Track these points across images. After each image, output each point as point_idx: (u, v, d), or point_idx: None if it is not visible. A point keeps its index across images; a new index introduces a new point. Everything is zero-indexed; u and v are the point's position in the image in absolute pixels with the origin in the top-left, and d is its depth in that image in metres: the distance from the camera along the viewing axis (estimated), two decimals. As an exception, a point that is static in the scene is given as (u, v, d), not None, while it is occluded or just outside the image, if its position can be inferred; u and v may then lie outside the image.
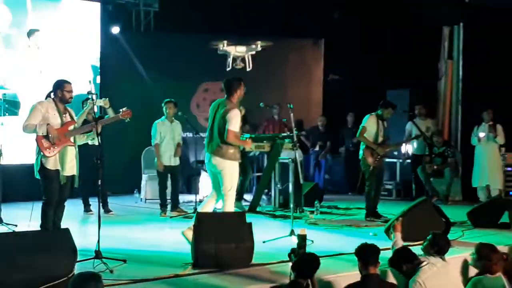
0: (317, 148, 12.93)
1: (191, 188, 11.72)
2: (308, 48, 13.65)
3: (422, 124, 11.52)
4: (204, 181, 11.42)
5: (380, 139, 9.08)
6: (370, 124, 9.08)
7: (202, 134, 11.42)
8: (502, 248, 6.74)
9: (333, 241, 7.49)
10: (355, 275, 5.42)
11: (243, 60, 10.87)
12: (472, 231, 8.16)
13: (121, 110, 7.05)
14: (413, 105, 12.12)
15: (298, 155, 7.91)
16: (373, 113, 9.18)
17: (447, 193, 11.19)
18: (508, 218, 8.46)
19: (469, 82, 12.41)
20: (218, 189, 6.95)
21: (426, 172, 11.19)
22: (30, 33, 11.06)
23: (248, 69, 10.85)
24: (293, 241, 6.91)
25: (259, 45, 10.89)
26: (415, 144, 11.75)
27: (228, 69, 10.76)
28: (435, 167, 11.25)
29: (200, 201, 10.61)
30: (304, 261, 5.16)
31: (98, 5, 11.80)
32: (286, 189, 9.75)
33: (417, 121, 11.49)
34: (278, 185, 10.04)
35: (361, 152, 9.13)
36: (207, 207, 7.02)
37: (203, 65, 12.31)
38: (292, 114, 7.83)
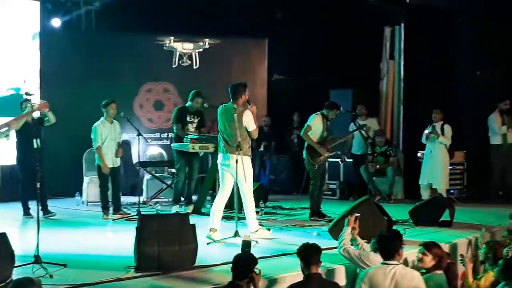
0: (261, 149, 12.95)
1: (135, 190, 11.61)
2: (252, 48, 13.67)
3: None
4: (148, 183, 11.34)
5: (324, 138, 9.19)
6: (315, 124, 9.15)
7: (145, 135, 11.39)
8: (444, 246, 6.90)
9: (278, 241, 7.51)
10: (298, 275, 5.45)
11: (190, 57, 10.76)
12: (414, 229, 8.31)
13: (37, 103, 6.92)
14: (355, 104, 12.26)
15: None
16: (318, 113, 9.25)
17: (389, 192, 11.36)
18: (449, 216, 8.65)
19: (410, 82, 12.61)
20: (229, 186, 7.58)
21: (369, 171, 11.35)
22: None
23: (195, 67, 10.78)
24: (238, 242, 6.92)
25: (207, 43, 10.80)
26: (355, 144, 11.89)
27: (174, 66, 10.67)
28: (377, 166, 11.42)
29: (144, 203, 10.59)
30: (238, 262, 5.15)
31: (37, 4, 11.55)
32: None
33: (359, 121, 11.61)
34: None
35: (304, 151, 9.20)
36: (221, 205, 7.65)
37: (147, 65, 12.21)
38: (236, 115, 7.80)
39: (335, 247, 6.74)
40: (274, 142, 13.01)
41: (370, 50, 13.06)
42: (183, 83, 12.07)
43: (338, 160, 12.29)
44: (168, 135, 12.40)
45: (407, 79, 12.69)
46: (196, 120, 9.91)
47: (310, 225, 8.52)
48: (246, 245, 6.26)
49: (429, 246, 5.90)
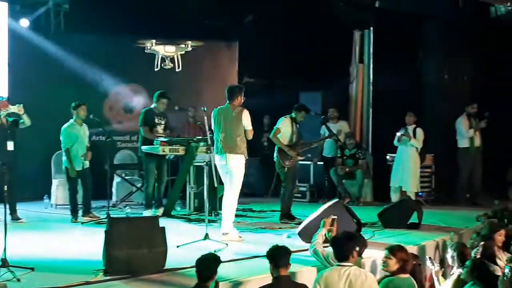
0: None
1: (104, 193, 11.50)
2: (222, 51, 13.65)
3: (334, 127, 11.70)
4: (118, 186, 11.27)
5: (294, 141, 9.24)
6: (284, 126, 9.21)
7: (115, 138, 11.32)
8: (412, 248, 6.98)
9: (247, 243, 7.53)
10: (268, 277, 5.46)
11: (172, 60, 10.70)
12: (382, 231, 8.38)
13: None
14: (325, 107, 12.33)
15: (213, 158, 7.92)
16: (287, 116, 9.32)
17: (358, 194, 11.44)
18: (417, 218, 8.74)
19: (379, 85, 12.73)
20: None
21: (339, 174, 11.41)
22: None
23: (177, 70, 10.72)
24: (208, 245, 6.92)
25: (189, 45, 10.74)
26: (326, 146, 11.95)
27: (156, 69, 10.60)
28: (347, 169, 11.49)
29: (113, 206, 10.52)
30: (201, 264, 5.14)
31: (5, 5, 11.40)
32: (201, 193, 9.71)
33: (330, 125, 11.66)
34: (193, 189, 9.99)
35: (275, 154, 9.23)
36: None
37: (117, 67, 12.09)
38: (206, 117, 7.83)
39: (305, 250, 6.79)
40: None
41: (340, 54, 13.15)
42: (153, 85, 11.96)
43: (309, 162, 12.35)
44: (137, 138, 12.31)
45: (376, 82, 12.79)
46: (163, 122, 9.87)
47: (280, 228, 8.54)
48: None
49: (394, 250, 5.93)
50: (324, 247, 6.31)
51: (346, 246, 5.60)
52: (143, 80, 12.41)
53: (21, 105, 8.13)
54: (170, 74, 11.50)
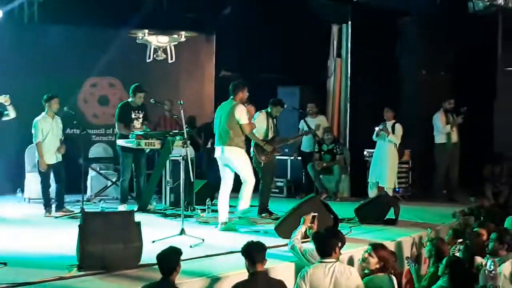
0: (209, 146, 12.91)
1: (79, 187, 11.42)
2: (200, 43, 13.61)
3: (313, 122, 11.74)
4: (92, 180, 11.20)
5: (270, 135, 9.26)
6: (259, 121, 9.23)
7: (90, 131, 11.25)
8: (388, 244, 7.04)
9: (224, 239, 7.55)
10: (244, 273, 5.48)
11: (164, 51, 10.63)
12: (359, 227, 8.43)
13: None
14: (303, 102, 12.35)
15: (190, 152, 7.91)
16: (262, 111, 9.36)
17: (336, 189, 11.48)
18: (394, 214, 8.80)
19: (357, 80, 12.74)
20: (228, 179, 8.15)
21: (316, 169, 11.45)
22: None
23: (170, 61, 10.64)
24: (183, 240, 6.92)
25: (183, 36, 10.66)
26: (304, 141, 11.97)
27: (148, 60, 10.54)
28: (324, 164, 11.53)
29: (88, 200, 10.47)
30: (161, 259, 5.14)
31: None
32: (177, 187, 9.69)
33: (308, 119, 11.70)
34: (169, 183, 9.97)
35: (251, 149, 9.25)
36: (224, 200, 8.15)
37: (91, 59, 11.99)
38: (182, 111, 7.83)
39: (282, 245, 6.83)
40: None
41: (318, 48, 13.17)
42: (129, 78, 11.92)
43: (287, 157, 12.37)
44: (113, 131, 12.24)
45: (353, 77, 12.82)
46: (141, 115, 9.81)
47: (259, 223, 8.55)
48: None
49: (377, 248, 5.97)
50: (302, 243, 6.35)
51: (329, 242, 5.64)
52: (118, 72, 12.36)
53: (7, 95, 8.05)
54: (146, 66, 11.47)
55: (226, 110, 8.10)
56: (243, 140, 8.16)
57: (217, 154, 8.20)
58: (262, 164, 9.17)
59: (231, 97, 8.16)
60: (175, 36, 10.55)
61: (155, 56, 10.47)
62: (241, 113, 8.03)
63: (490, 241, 6.52)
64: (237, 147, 8.05)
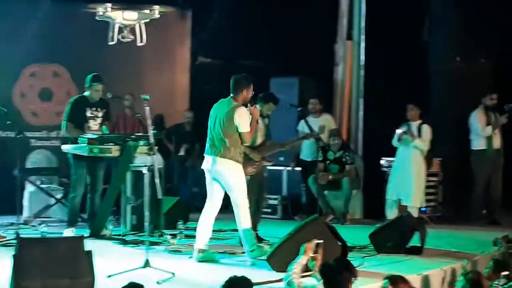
0: (182, 153, 12.92)
1: (13, 206, 11.37)
2: (171, 22, 13.61)
3: (316, 123, 11.74)
4: (31, 197, 11.16)
5: (259, 140, 9.20)
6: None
7: (28, 134, 11.21)
8: (412, 279, 7.04)
9: (201, 272, 7.54)
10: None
11: (132, 31, 10.61)
12: (375, 257, 8.44)
13: None
14: (304, 97, 12.37)
15: (157, 161, 7.90)
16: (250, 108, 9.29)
17: (345, 209, 11.48)
18: (419, 240, 8.81)
19: (373, 69, 12.79)
20: (215, 197, 8.16)
21: (319, 183, 11.45)
22: None
23: (139, 44, 10.63)
24: (148, 274, 6.90)
25: (156, 11, 10.63)
26: (305, 147, 11.99)
27: (112, 42, 10.51)
28: (330, 177, 11.53)
29: (25, 223, 10.43)
30: None
31: None
32: (140, 207, 9.66)
33: (310, 119, 11.70)
34: (131, 201, 9.95)
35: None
36: (207, 222, 8.18)
37: (29, 42, 11.96)
38: (148, 108, 7.81)
39: (276, 281, 6.81)
40: (198, 144, 12.98)
41: (322, 28, 13.20)
42: (79, 65, 11.93)
43: (282, 168, 12.37)
44: (58, 134, 12.24)
45: (369, 65, 12.86)
46: (100, 114, 9.77)
47: (242, 252, 8.55)
48: None
49: (396, 282, 5.98)
50: (302, 277, 6.35)
51: (341, 277, 5.64)
52: (63, 58, 12.34)
53: None
54: (100, 51, 11.44)
55: (223, 111, 8.08)
56: (241, 152, 8.17)
57: (207, 165, 8.17)
58: (249, 177, 9.16)
59: (232, 95, 8.14)
60: (146, 11, 10.50)
61: (120, 37, 10.44)
62: (242, 118, 8.02)
63: None
64: (233, 160, 8.02)
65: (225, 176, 8.06)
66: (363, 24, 12.98)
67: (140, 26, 10.47)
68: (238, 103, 8.06)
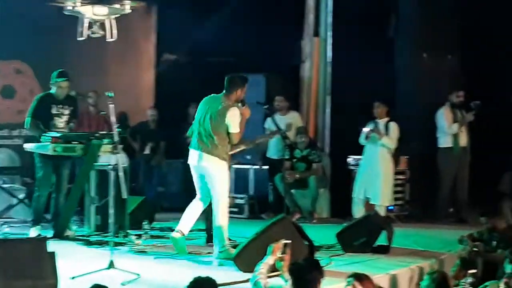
0: (147, 151, 12.87)
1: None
2: (135, 17, 13.49)
3: (282, 120, 11.75)
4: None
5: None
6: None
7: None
8: (380, 278, 7.08)
9: (167, 274, 7.52)
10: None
11: (102, 26, 10.50)
12: (342, 257, 8.45)
13: None
14: (270, 94, 12.38)
15: (122, 160, 7.86)
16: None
17: (312, 208, 11.51)
18: (386, 240, 8.85)
19: (340, 66, 12.80)
20: (207, 193, 8.24)
21: (286, 181, 11.45)
22: None
23: (109, 39, 10.54)
24: (113, 275, 6.87)
25: (127, 6, 10.54)
26: (271, 145, 12.00)
27: (81, 38, 10.41)
28: (297, 175, 11.54)
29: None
30: None
31: None
32: (105, 207, 9.62)
33: (276, 117, 11.70)
34: (95, 201, 9.90)
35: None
36: (193, 211, 8.38)
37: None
38: (112, 106, 7.78)
39: (243, 281, 6.81)
40: (163, 142, 12.95)
41: (288, 24, 13.20)
42: (42, 62, 11.83)
43: (248, 166, 12.37)
44: (21, 132, 12.14)
45: (336, 62, 12.87)
46: (66, 111, 9.69)
47: (208, 252, 8.55)
48: None
49: (360, 278, 5.99)
50: (269, 277, 6.35)
51: (310, 276, 5.65)
52: (26, 55, 12.22)
53: None
54: (64, 48, 11.35)
55: (215, 108, 8.16)
56: (227, 150, 8.24)
57: (192, 160, 8.26)
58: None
59: (225, 92, 8.25)
60: (117, 6, 10.42)
61: (89, 32, 10.35)
62: (234, 119, 8.13)
63: None
64: (219, 158, 8.11)
65: (210, 173, 8.14)
66: (330, 20, 12.99)
67: (110, 22, 10.40)
68: (232, 102, 8.18)
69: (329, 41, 12.99)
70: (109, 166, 8.20)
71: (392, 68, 12.94)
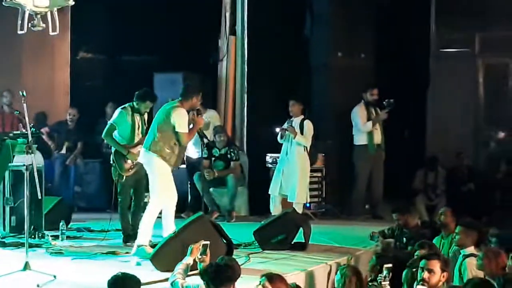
0: (63, 151, 12.71)
1: None
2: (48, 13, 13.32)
3: (200, 119, 11.73)
4: None
5: (137, 138, 9.14)
6: (122, 121, 9.11)
7: None
8: (297, 276, 7.15)
9: (84, 274, 7.45)
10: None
11: (43, 18, 10.23)
12: (260, 255, 8.48)
13: None
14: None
15: (37, 160, 7.74)
16: (126, 105, 9.21)
17: (230, 207, 11.52)
18: (303, 236, 8.93)
19: (256, 64, 12.82)
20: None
21: (204, 180, 11.44)
22: None
23: (52, 33, 10.29)
24: (29, 278, 6.77)
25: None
26: (189, 145, 11.96)
27: (21, 31, 10.12)
28: (215, 174, 11.53)
29: None
30: None
31: None
32: (20, 207, 9.47)
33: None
34: (9, 202, 9.73)
35: (111, 157, 9.14)
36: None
37: None
38: (25, 105, 7.67)
39: (161, 280, 6.80)
40: (80, 142, 12.81)
41: (206, 23, 13.19)
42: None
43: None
44: None
45: (252, 61, 12.89)
46: None
47: (127, 252, 8.50)
48: None
49: (272, 278, 6.02)
50: (188, 276, 6.36)
51: (227, 275, 5.67)
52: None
53: None
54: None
55: (164, 109, 8.37)
56: (168, 150, 8.24)
57: (140, 157, 8.55)
58: (124, 178, 9.12)
59: (180, 99, 8.39)
60: None
61: (30, 25, 10.12)
62: (180, 119, 8.21)
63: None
64: (157, 154, 8.19)
65: (148, 169, 8.36)
66: (246, 18, 12.98)
67: (53, 14, 10.20)
68: (186, 108, 8.31)
69: (245, 40, 13.01)
70: (24, 166, 8.04)
71: (308, 66, 13.04)
